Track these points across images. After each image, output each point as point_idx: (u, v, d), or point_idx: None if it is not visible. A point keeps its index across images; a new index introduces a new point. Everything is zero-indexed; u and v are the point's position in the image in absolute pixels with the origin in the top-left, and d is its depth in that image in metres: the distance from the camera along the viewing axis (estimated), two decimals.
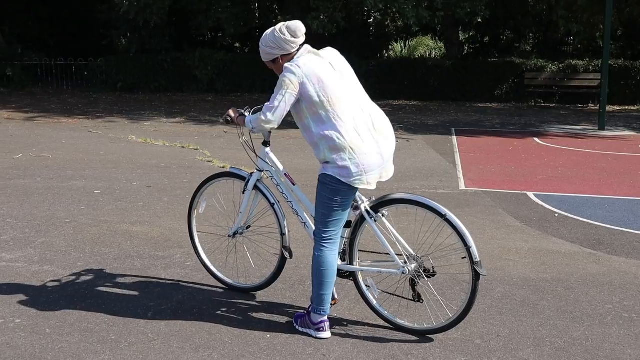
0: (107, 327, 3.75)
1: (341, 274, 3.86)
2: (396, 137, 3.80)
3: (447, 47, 22.77)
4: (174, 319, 3.87)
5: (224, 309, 4.02)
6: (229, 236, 4.28)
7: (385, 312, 3.85)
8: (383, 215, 3.80)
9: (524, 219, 6.26)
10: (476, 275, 3.55)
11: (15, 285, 4.36)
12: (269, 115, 3.62)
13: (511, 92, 19.34)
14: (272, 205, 4.08)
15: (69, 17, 24.17)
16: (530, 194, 7.29)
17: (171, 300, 4.16)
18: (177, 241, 5.36)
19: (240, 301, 4.15)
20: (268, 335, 3.67)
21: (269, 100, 3.63)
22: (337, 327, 3.78)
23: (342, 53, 3.87)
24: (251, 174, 4.15)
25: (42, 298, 4.14)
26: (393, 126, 3.75)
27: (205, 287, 4.37)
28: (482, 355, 3.49)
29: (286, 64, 3.59)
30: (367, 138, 3.53)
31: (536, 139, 11.98)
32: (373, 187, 3.61)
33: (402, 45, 31.50)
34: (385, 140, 3.62)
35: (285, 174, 4.06)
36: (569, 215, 6.39)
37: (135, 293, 4.25)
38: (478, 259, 3.56)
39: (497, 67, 19.50)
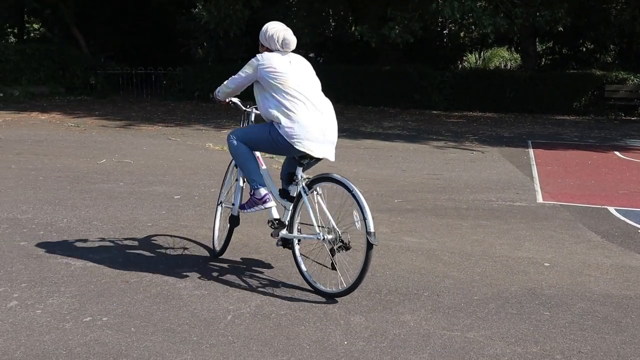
0: (188, 328, 3.85)
1: (286, 242, 4.67)
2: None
3: (524, 58, 22.42)
4: (253, 323, 3.95)
5: (301, 315, 4.08)
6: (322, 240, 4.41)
7: (310, 278, 4.51)
8: (317, 192, 4.48)
9: (604, 234, 6.11)
10: (369, 245, 4.12)
11: (101, 284, 4.52)
12: (229, 83, 4.80)
13: (590, 105, 18.88)
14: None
15: (149, 27, 24.94)
16: (611, 209, 7.10)
17: (250, 304, 4.24)
18: (254, 247, 5.45)
19: (317, 307, 4.20)
20: (345, 342, 3.70)
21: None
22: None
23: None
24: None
25: (126, 298, 4.29)
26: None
27: (283, 293, 4.43)
28: None
29: (257, 54, 4.65)
30: (307, 114, 4.40)
31: (617, 153, 11.65)
32: (317, 155, 4.42)
33: (477, 56, 31.18)
34: (328, 123, 4.49)
35: None
36: None
37: (215, 296, 4.36)
38: (372, 230, 4.09)
39: (576, 79, 19.07)
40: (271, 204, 4.59)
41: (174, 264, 4.97)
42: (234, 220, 5.05)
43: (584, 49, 24.76)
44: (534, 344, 3.73)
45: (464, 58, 28.94)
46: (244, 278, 4.71)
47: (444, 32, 25.25)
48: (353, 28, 18.91)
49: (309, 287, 4.52)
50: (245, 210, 4.66)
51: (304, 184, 4.50)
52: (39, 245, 5.39)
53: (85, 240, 5.53)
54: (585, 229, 6.28)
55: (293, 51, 4.70)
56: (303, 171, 4.59)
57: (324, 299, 4.33)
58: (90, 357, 3.46)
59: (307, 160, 4.53)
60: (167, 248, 5.39)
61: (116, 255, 5.15)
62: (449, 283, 4.70)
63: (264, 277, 4.75)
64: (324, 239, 4.34)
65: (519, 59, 27.20)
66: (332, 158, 4.54)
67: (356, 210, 4.19)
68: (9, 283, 4.51)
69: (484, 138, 13.54)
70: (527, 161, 10.52)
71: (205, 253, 5.27)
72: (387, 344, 3.70)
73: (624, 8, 21.65)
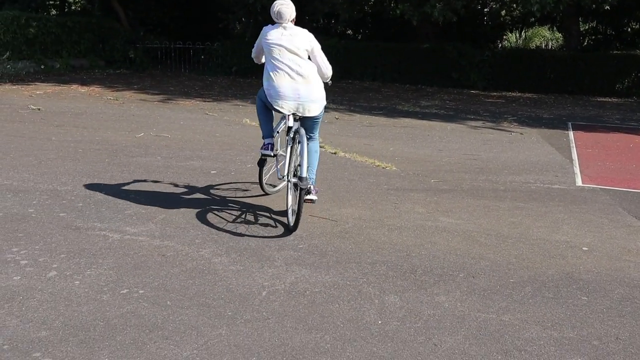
0: (223, 303, 3.88)
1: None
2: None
3: (566, 38, 22.00)
4: (287, 300, 3.96)
5: (336, 293, 4.08)
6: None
7: (289, 211, 5.34)
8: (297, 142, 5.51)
9: None
10: (300, 189, 5.09)
11: (138, 257, 4.58)
12: (252, 50, 5.81)
13: (633, 87, 18.49)
14: None
15: (189, 1, 24.96)
16: None
17: (284, 281, 4.25)
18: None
19: (352, 285, 4.20)
20: (379, 322, 3.70)
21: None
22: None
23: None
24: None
25: (163, 272, 4.33)
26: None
27: (317, 271, 4.44)
28: (600, 357, 3.38)
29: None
30: (284, 78, 5.36)
31: None
32: (286, 111, 5.42)
33: (517, 35, 30.68)
34: (304, 85, 5.35)
35: None
36: None
37: (250, 272, 4.38)
38: (303, 176, 5.08)
39: (619, 60, 18.67)
40: (267, 152, 5.68)
41: (209, 239, 5.01)
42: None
43: (629, 29, 24.17)
44: (571, 329, 3.69)
45: (505, 37, 28.48)
46: (279, 255, 4.73)
47: (485, 10, 24.83)
48: (392, 4, 18.65)
49: (344, 265, 4.53)
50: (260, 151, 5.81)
51: (291, 135, 5.51)
52: (78, 216, 5.47)
53: (122, 213, 5.59)
54: (625, 214, 6.17)
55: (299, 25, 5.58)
56: (295, 124, 5.56)
57: (360, 278, 4.33)
58: (127, 329, 3.51)
59: (285, 114, 5.52)
60: (203, 222, 5.42)
61: (153, 229, 5.20)
62: (484, 265, 4.66)
63: (299, 254, 4.76)
64: (287, 180, 5.44)
65: (561, 38, 26.69)
66: (308, 113, 5.44)
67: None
68: (49, 253, 4.59)
69: (522, 119, 13.34)
70: (567, 143, 10.35)
71: (241, 229, 5.29)
72: (421, 325, 3.69)
73: None
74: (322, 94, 5.49)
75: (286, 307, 3.87)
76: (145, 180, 6.78)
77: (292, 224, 5.25)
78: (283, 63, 5.38)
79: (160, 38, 22.00)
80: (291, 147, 5.45)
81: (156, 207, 5.81)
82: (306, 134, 5.53)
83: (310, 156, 5.54)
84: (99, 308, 3.76)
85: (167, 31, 23.83)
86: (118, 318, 3.64)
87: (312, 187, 5.45)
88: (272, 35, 5.45)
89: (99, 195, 6.13)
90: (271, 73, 5.41)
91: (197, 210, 5.78)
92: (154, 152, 8.29)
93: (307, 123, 5.58)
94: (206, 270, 4.40)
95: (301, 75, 5.37)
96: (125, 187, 6.48)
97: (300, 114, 5.45)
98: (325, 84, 5.71)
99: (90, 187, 6.44)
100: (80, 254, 4.61)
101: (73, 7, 28.76)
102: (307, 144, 5.38)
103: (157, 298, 3.92)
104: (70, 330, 3.49)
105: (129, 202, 5.94)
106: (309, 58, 5.53)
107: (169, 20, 24.60)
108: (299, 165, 5.25)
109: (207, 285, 4.14)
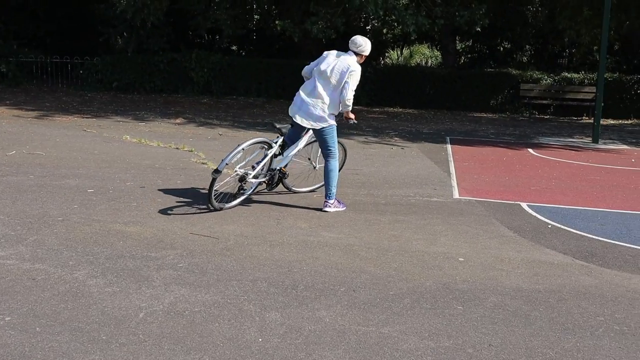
0: (98, 327, 3.72)
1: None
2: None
3: (444, 56, 22.84)
4: (165, 321, 3.85)
5: (216, 311, 4.01)
6: None
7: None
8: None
9: (517, 229, 6.27)
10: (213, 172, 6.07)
11: (5, 282, 4.33)
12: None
13: (506, 103, 19.40)
14: None
15: (66, 14, 24.10)
16: (524, 205, 7.30)
17: (163, 302, 4.13)
18: (170, 242, 5.33)
19: (232, 303, 4.13)
20: (260, 339, 3.66)
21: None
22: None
23: None
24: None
25: (32, 296, 4.11)
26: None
27: (198, 289, 4.35)
28: None
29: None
30: (300, 96, 6.60)
31: (531, 150, 12.01)
32: (299, 122, 6.56)
33: (399, 52, 31.59)
34: (310, 102, 6.51)
35: None
36: (562, 227, 6.40)
37: (127, 293, 4.23)
38: (215, 168, 6.08)
39: (493, 78, 19.55)
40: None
41: (84, 261, 4.81)
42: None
43: (501, 49, 25.41)
44: (447, 338, 3.78)
45: (386, 54, 29.25)
46: (158, 274, 4.60)
47: (367, 28, 25.43)
48: (276, 22, 18.73)
49: (225, 283, 4.46)
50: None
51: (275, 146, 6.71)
52: None
53: None
54: (499, 224, 6.43)
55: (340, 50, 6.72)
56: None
57: (240, 295, 4.27)
58: None
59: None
60: (77, 244, 5.20)
61: (23, 252, 4.94)
62: (365, 278, 4.71)
63: (178, 273, 4.64)
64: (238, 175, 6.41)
65: (440, 56, 27.70)
66: (301, 123, 6.55)
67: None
68: None
69: (404, 134, 13.72)
70: (445, 157, 10.72)
71: (118, 248, 5.11)
72: (302, 341, 3.67)
73: (539, 10, 22.36)
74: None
75: (164, 328, 3.76)
76: (15, 201, 6.45)
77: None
78: (314, 87, 6.64)
79: (35, 52, 21.08)
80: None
81: (27, 229, 5.53)
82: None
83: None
84: None
85: (43, 45, 22.87)
86: None
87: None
88: (322, 61, 6.62)
89: None
90: (302, 90, 6.76)
91: (72, 230, 5.55)
92: (26, 171, 7.91)
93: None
94: (80, 293, 4.21)
95: (309, 94, 6.65)
96: None
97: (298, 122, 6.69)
98: None
99: None
100: None
101: None
102: (240, 146, 6.44)
103: (25, 325, 3.71)
104: None
105: None
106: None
107: (45, 34, 23.63)
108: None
109: (81, 309, 3.96)
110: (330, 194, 6.62)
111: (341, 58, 6.48)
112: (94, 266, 4.70)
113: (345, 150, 7.77)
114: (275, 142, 6.67)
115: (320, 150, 6.85)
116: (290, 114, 6.65)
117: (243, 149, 6.27)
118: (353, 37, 6.65)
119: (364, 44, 6.57)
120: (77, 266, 4.69)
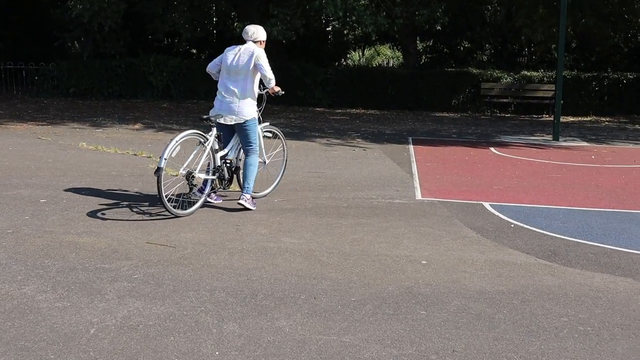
0: (46, 346, 3.55)
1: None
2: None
3: (405, 56, 22.89)
4: (118, 336, 3.69)
5: (171, 325, 3.85)
6: None
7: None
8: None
9: (479, 229, 6.22)
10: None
11: None
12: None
13: (468, 102, 19.50)
14: None
15: (20, 20, 23.59)
16: (486, 204, 7.26)
17: (116, 316, 3.97)
18: (125, 252, 5.16)
19: (189, 316, 3.99)
20: (217, 353, 3.52)
21: None
22: None
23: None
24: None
25: None
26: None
27: (153, 302, 4.19)
28: None
29: None
30: (218, 97, 6.76)
31: (492, 149, 12.04)
32: (224, 122, 6.72)
33: (360, 53, 31.62)
34: (227, 99, 6.70)
35: None
36: (525, 226, 6.37)
37: (78, 308, 4.06)
38: (157, 165, 6.12)
39: (454, 77, 19.63)
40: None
41: (34, 275, 4.61)
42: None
43: (462, 48, 25.57)
44: (410, 344, 3.68)
45: (348, 55, 29.24)
46: (112, 287, 4.43)
47: (328, 29, 25.39)
48: (235, 24, 18.55)
49: (181, 294, 4.31)
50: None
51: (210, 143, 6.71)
52: None
53: None
54: (462, 225, 6.37)
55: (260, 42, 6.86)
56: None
57: (197, 307, 4.12)
58: None
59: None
60: (27, 257, 5.00)
61: None
62: (326, 285, 4.60)
63: (133, 285, 4.48)
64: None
65: (401, 57, 27.78)
66: (225, 122, 6.71)
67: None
68: None
69: (366, 135, 13.65)
70: (408, 158, 10.67)
71: (70, 260, 4.92)
72: (260, 352, 3.54)
73: (497, 9, 22.55)
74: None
75: (116, 344, 3.59)
76: None
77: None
78: (221, 78, 6.86)
79: None
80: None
81: None
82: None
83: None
84: None
85: None
86: None
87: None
88: (227, 56, 6.75)
89: None
90: (219, 89, 6.86)
91: (22, 243, 5.34)
92: None
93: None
94: (28, 309, 4.02)
95: (227, 90, 6.77)
96: None
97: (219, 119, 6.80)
98: None
99: None
100: None
101: None
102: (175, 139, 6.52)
103: None
104: None
105: None
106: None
107: None
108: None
109: (28, 327, 3.77)
110: (247, 187, 6.70)
111: (242, 48, 6.70)
112: (44, 280, 4.51)
113: (286, 155, 8.01)
114: (210, 134, 6.64)
115: (244, 145, 6.88)
116: (212, 118, 6.69)
117: (177, 141, 6.25)
118: (244, 28, 6.87)
119: (255, 30, 6.78)
120: (26, 281, 4.49)
